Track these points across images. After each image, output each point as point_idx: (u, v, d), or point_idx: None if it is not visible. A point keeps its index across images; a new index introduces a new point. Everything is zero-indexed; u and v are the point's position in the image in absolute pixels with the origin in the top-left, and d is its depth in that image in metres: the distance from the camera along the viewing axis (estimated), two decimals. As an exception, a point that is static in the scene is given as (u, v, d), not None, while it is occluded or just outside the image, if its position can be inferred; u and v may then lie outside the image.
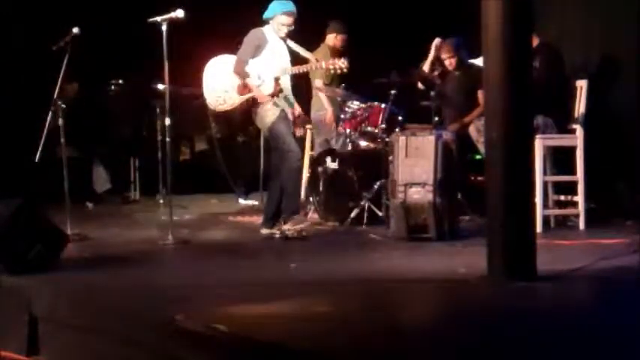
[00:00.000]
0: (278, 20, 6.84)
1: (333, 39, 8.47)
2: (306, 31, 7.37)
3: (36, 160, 6.73)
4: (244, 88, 6.92)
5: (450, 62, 7.91)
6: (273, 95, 6.86)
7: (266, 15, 6.87)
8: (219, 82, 7.01)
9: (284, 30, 6.85)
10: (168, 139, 6.86)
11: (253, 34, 6.91)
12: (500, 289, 4.70)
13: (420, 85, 7.91)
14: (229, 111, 7.50)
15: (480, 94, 7.47)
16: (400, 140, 6.63)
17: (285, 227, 6.77)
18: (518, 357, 3.52)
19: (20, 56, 9.30)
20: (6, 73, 9.18)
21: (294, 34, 7.06)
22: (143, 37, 7.35)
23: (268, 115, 6.91)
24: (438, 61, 8.00)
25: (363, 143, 7.78)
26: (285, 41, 6.96)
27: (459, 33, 7.90)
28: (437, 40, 7.96)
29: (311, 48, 7.87)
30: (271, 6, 6.86)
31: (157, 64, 6.71)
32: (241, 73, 6.88)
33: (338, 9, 9.56)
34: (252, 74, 6.86)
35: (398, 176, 6.58)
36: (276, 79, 6.85)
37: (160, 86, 8.39)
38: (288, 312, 4.36)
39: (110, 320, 4.54)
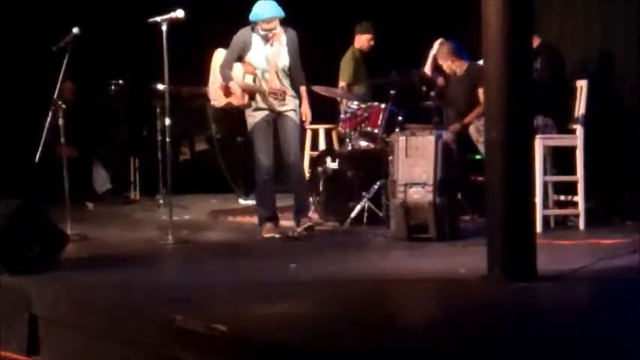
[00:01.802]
0: (260, 26, 6.82)
1: (358, 40, 8.78)
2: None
3: (36, 160, 6.73)
4: (228, 90, 6.94)
5: (447, 66, 7.91)
6: (244, 106, 6.86)
7: (250, 18, 6.86)
8: (216, 77, 7.04)
9: (268, 34, 6.83)
10: (168, 139, 6.86)
11: (238, 36, 6.90)
12: (500, 289, 4.70)
13: (423, 87, 7.92)
14: (228, 110, 7.53)
15: (480, 92, 7.48)
16: (400, 140, 6.62)
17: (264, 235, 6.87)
18: (519, 357, 3.52)
19: (20, 56, 9.30)
20: (6, 73, 9.18)
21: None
22: (143, 37, 7.35)
23: (249, 119, 6.96)
24: (437, 64, 8.02)
25: (363, 143, 7.78)
26: (277, 41, 6.87)
27: (458, 34, 7.92)
28: (438, 41, 7.97)
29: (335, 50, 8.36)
30: (253, 10, 6.82)
31: (157, 64, 6.71)
32: (223, 76, 6.91)
33: (338, 9, 9.59)
34: (237, 77, 6.87)
35: (398, 176, 6.58)
36: (244, 90, 6.84)
37: (160, 86, 8.38)
38: (287, 312, 4.37)
39: (110, 320, 4.54)
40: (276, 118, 6.92)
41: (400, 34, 9.18)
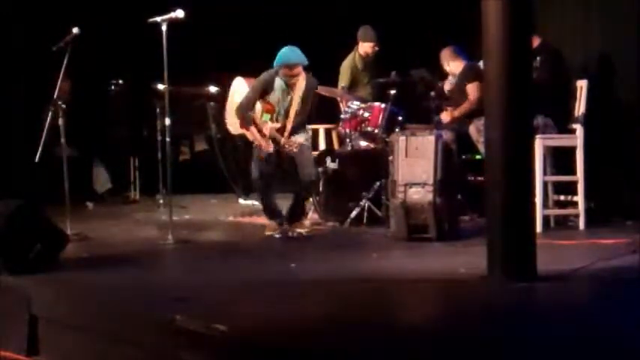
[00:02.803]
0: (282, 70, 6.95)
1: (362, 47, 8.61)
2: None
3: (36, 160, 6.74)
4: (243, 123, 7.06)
5: (448, 67, 7.92)
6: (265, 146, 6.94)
7: (275, 63, 6.97)
8: (234, 103, 7.22)
9: (290, 79, 6.96)
10: (168, 139, 6.87)
11: (262, 79, 7.03)
12: (500, 289, 4.70)
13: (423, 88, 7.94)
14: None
15: (470, 88, 7.50)
16: (400, 140, 6.63)
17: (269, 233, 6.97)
18: (519, 357, 3.52)
19: (20, 56, 9.30)
20: (6, 73, 9.18)
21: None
22: (143, 37, 7.35)
23: None
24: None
25: (363, 143, 7.78)
26: (296, 87, 6.98)
27: (457, 34, 7.93)
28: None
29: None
30: (278, 55, 6.95)
31: (157, 64, 6.71)
32: (241, 118, 7.01)
33: (339, 10, 9.58)
34: (255, 111, 6.99)
35: (398, 176, 6.58)
36: (260, 132, 6.94)
37: (160, 86, 8.38)
38: (287, 312, 4.37)
39: (110, 320, 4.54)
40: None
41: (400, 35, 9.17)
